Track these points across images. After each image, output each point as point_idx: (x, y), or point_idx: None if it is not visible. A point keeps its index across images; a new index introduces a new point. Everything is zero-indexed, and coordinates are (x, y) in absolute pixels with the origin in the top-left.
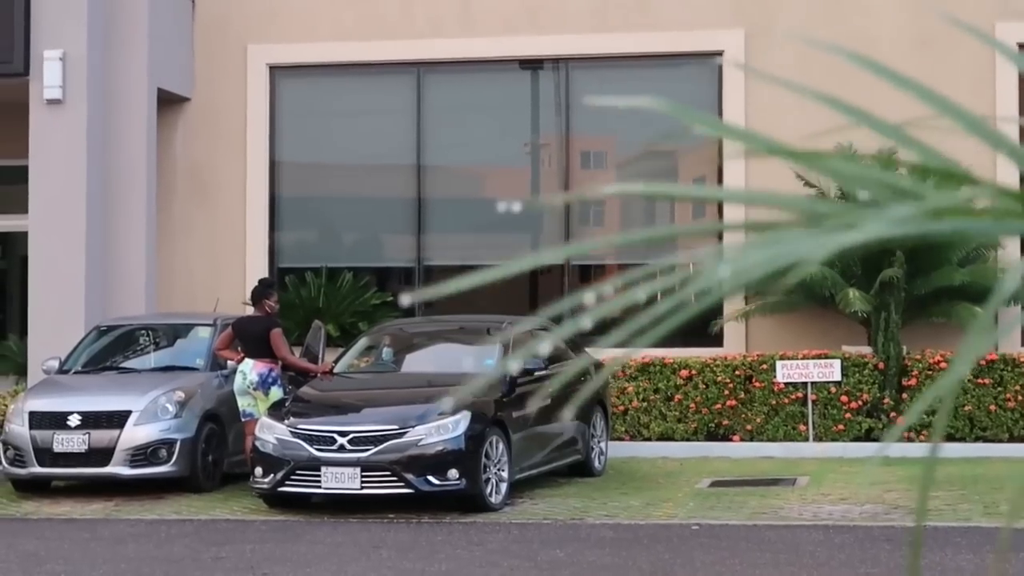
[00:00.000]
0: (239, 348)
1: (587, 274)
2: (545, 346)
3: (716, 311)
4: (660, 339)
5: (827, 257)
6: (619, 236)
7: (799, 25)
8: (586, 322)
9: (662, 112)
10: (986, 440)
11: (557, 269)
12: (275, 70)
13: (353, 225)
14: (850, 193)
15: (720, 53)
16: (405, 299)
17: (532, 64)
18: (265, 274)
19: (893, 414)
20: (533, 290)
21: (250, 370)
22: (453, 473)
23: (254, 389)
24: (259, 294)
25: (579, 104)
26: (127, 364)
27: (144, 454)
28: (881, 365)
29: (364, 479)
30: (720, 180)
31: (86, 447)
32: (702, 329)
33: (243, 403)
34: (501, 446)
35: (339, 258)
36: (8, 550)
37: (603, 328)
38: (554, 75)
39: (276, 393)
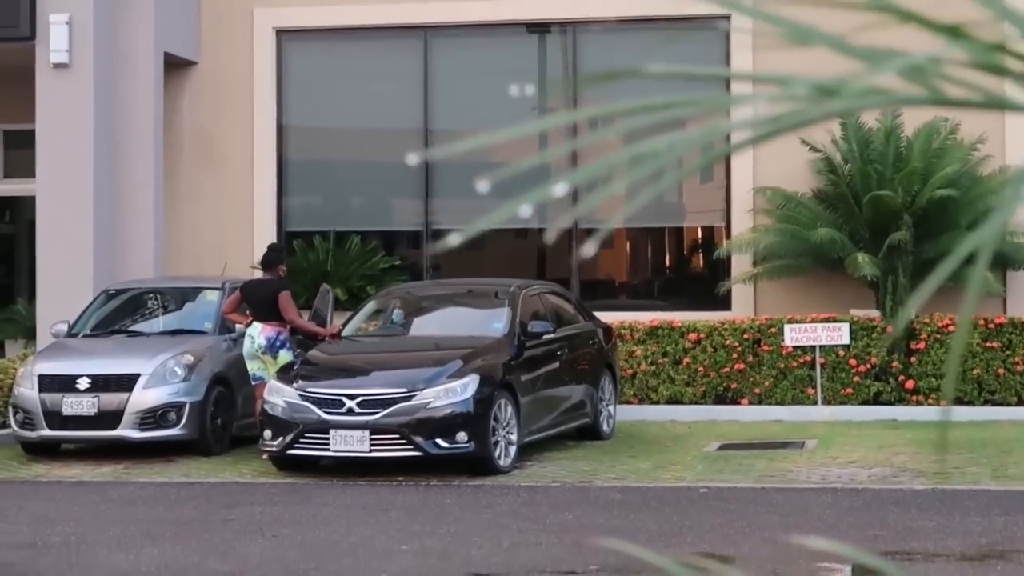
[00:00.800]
0: (247, 311)
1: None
2: (561, 187)
3: (724, 273)
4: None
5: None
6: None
7: None
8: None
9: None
10: (994, 404)
11: (564, 234)
12: (282, 34)
13: (361, 189)
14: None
15: (727, 17)
16: (412, 159)
17: (539, 27)
18: (273, 238)
19: (901, 377)
20: (541, 254)
21: (258, 334)
22: (462, 436)
23: (262, 353)
24: (273, 259)
25: (586, 68)
26: (136, 327)
27: (153, 417)
28: (889, 328)
29: (373, 442)
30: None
31: (95, 410)
32: (710, 292)
33: (252, 367)
34: (510, 409)
35: (347, 222)
36: (18, 512)
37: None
38: (561, 38)
39: (285, 356)
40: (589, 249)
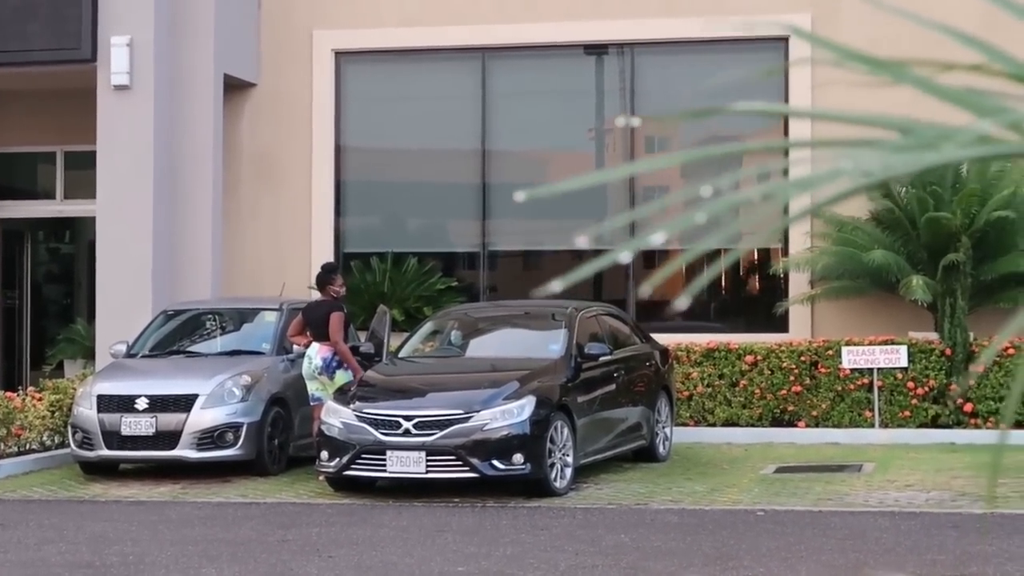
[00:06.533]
0: (308, 333)
1: (651, 260)
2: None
3: (781, 295)
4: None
5: (914, 173)
6: (681, 155)
7: (866, 10)
8: (658, 237)
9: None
10: None
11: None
12: (340, 56)
13: (418, 210)
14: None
15: (786, 38)
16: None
17: (596, 49)
18: (331, 259)
19: (960, 400)
20: (597, 275)
21: (315, 354)
22: (518, 458)
23: (319, 373)
24: (323, 279)
25: (644, 89)
26: (194, 348)
27: (211, 438)
28: (948, 351)
29: (429, 463)
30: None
31: (153, 430)
32: (767, 314)
33: (312, 387)
34: (566, 431)
35: (404, 243)
36: (77, 531)
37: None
38: (619, 60)
39: (342, 377)
40: (683, 303)
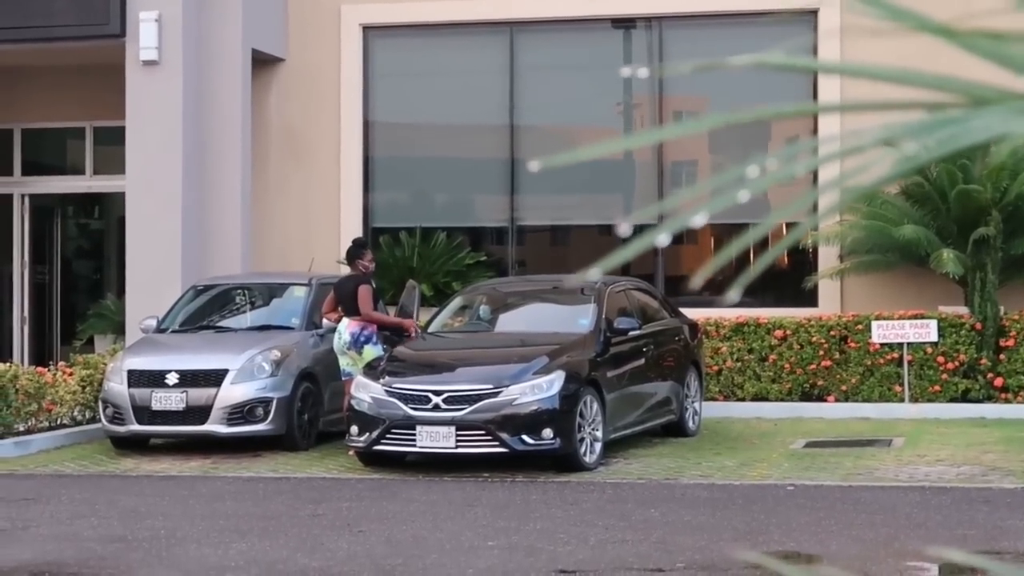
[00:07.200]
0: (339, 308)
1: (679, 237)
2: (700, 218)
3: (810, 270)
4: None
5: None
6: (702, 122)
7: None
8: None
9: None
10: None
11: (647, 230)
12: (368, 30)
13: (446, 185)
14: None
15: (815, 11)
16: (533, 165)
17: (625, 23)
18: (359, 234)
19: (990, 375)
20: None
21: (344, 329)
22: (547, 432)
23: (348, 348)
24: (353, 254)
25: (672, 63)
26: (224, 323)
27: (241, 412)
28: (978, 326)
29: (459, 438)
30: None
31: (184, 405)
32: (797, 289)
33: (343, 362)
34: (595, 406)
35: (433, 218)
36: (109, 506)
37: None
38: (647, 34)
39: (370, 352)
40: (733, 296)
